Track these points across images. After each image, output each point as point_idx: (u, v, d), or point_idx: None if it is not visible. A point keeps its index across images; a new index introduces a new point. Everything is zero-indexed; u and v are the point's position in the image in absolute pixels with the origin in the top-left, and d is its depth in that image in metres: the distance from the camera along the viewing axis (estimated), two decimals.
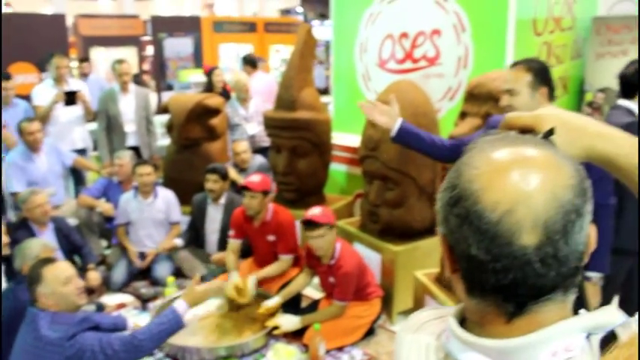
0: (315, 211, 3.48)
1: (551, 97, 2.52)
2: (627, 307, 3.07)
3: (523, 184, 0.68)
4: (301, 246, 4.06)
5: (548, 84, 2.47)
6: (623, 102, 2.96)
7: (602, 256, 2.46)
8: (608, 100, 4.99)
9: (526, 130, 0.87)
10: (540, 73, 2.46)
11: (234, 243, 4.05)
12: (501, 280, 0.68)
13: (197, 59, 10.54)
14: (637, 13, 4.68)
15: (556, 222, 0.67)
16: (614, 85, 5.03)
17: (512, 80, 2.47)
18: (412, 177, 3.76)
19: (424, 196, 3.87)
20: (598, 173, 2.38)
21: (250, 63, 7.59)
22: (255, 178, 3.86)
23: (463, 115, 3.13)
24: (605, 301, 2.90)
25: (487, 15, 4.15)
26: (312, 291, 4.10)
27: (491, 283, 0.69)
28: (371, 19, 4.87)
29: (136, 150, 5.38)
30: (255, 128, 5.80)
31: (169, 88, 10.11)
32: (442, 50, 4.40)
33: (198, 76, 9.16)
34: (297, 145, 4.48)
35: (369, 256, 3.95)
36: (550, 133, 0.84)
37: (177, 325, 2.65)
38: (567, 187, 0.69)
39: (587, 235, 0.72)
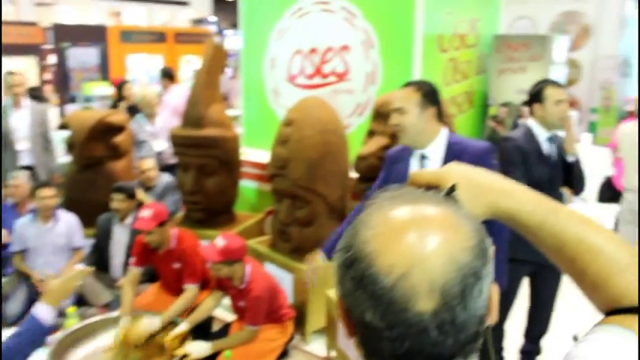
0: (218, 246, 3.30)
1: (440, 118, 2.55)
2: (538, 316, 3.16)
3: (419, 246, 0.63)
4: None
5: (436, 104, 2.52)
6: (528, 121, 3.06)
7: (500, 271, 2.50)
8: (510, 113, 5.18)
9: (430, 187, 0.83)
10: (429, 94, 2.50)
11: (134, 271, 3.76)
12: (397, 349, 0.63)
13: (103, 70, 10.10)
14: (533, 32, 4.87)
15: (454, 286, 0.62)
16: (516, 99, 5.26)
17: (402, 99, 2.50)
18: (322, 195, 3.71)
19: (334, 214, 3.83)
20: None
21: (168, 76, 7.34)
22: (145, 214, 3.48)
23: (371, 133, 3.12)
24: (503, 309, 2.98)
25: (394, 32, 4.20)
26: (224, 312, 3.96)
27: (387, 351, 0.64)
28: (280, 34, 4.81)
29: (30, 169, 5.02)
30: (162, 145, 5.58)
31: (72, 100, 9.60)
32: (351, 66, 4.40)
33: (103, 89, 8.77)
34: (205, 163, 4.34)
35: (281, 276, 3.86)
36: (452, 189, 0.81)
37: (40, 331, 2.34)
38: (466, 249, 0.65)
39: (488, 297, 0.67)
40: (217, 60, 4.41)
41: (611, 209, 4.78)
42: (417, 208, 0.69)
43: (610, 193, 5.18)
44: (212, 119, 4.33)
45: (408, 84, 2.58)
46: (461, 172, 0.86)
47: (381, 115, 3.05)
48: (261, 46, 4.96)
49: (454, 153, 2.52)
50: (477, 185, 0.86)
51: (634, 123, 4.21)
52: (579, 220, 0.83)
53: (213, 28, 21.70)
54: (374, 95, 4.28)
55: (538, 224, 0.83)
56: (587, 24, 11.09)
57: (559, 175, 2.99)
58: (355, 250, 0.66)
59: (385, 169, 2.80)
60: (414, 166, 2.61)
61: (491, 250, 0.69)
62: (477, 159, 2.45)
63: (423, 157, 2.58)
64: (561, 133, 3.04)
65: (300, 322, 3.76)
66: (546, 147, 3.00)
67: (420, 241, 0.64)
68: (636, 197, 4.17)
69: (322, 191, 3.70)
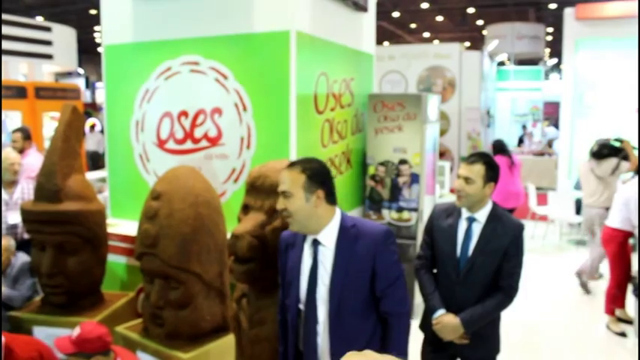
0: (72, 335, 2.89)
1: (331, 199, 2.38)
2: None
3: None
4: None
5: (324, 187, 2.35)
6: None
7: None
8: (388, 172, 5.17)
9: None
10: (316, 176, 2.33)
11: None
12: None
13: None
14: (405, 93, 4.94)
15: None
16: (394, 158, 5.28)
17: (287, 182, 2.34)
18: (197, 274, 3.37)
19: (212, 293, 3.50)
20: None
21: (26, 136, 6.64)
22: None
23: (245, 208, 2.87)
24: None
25: (268, 94, 4.04)
26: None
27: None
28: (147, 96, 4.49)
29: None
30: (17, 217, 4.95)
31: None
32: (224, 130, 4.17)
33: None
34: (65, 240, 3.85)
35: None
36: None
37: None
38: None
39: None
40: (75, 126, 4.00)
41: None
42: None
43: None
44: (71, 191, 3.87)
45: (292, 164, 2.39)
46: None
47: (255, 188, 2.82)
48: (126, 107, 4.60)
49: (349, 237, 2.35)
50: None
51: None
52: None
53: (81, 82, 20.73)
54: (249, 160, 4.07)
55: None
56: (452, 78, 11.75)
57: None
58: None
59: (281, 254, 2.58)
60: (307, 254, 2.42)
61: None
62: (374, 245, 2.33)
63: (316, 243, 2.39)
64: None
65: None
66: (462, 225, 2.92)
67: None
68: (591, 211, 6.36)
69: (197, 270, 3.37)
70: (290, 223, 2.38)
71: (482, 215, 2.88)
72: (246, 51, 4.06)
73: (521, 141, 15.92)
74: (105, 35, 4.70)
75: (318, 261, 2.38)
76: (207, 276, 3.45)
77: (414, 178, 5.12)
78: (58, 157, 3.87)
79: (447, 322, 2.83)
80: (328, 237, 2.38)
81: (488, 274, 2.82)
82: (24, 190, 5.09)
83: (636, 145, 6.51)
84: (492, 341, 2.98)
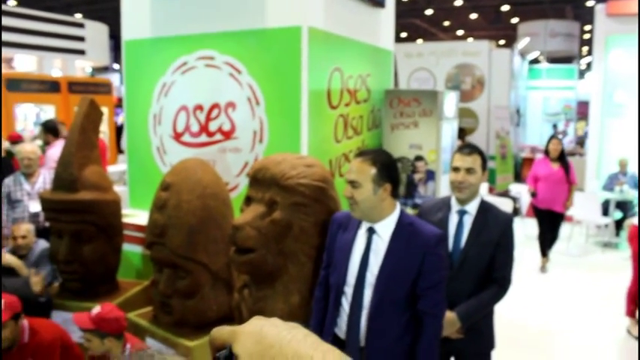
0: (91, 313, 3.01)
1: (395, 194, 2.45)
2: None
3: None
4: None
5: (392, 181, 2.42)
6: None
7: None
8: (404, 169, 5.17)
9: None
10: (385, 169, 2.40)
11: None
12: None
13: None
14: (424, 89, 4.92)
15: None
16: (409, 154, 5.27)
17: (356, 171, 2.41)
18: (204, 264, 3.45)
19: (219, 283, 3.57)
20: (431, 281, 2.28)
21: (51, 131, 6.87)
22: None
23: (248, 200, 2.92)
24: None
25: (280, 89, 4.08)
26: None
27: None
28: (165, 89, 4.58)
29: None
30: (38, 206, 5.12)
31: None
32: (237, 124, 4.23)
33: None
34: (81, 229, 3.98)
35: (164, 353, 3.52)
36: (230, 354, 0.74)
37: None
38: None
39: None
40: (93, 119, 4.12)
41: None
42: None
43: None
44: (87, 182, 3.99)
45: (364, 154, 2.46)
46: (257, 333, 0.74)
47: (257, 180, 2.86)
48: (145, 101, 4.70)
49: (404, 234, 2.43)
50: (268, 346, 0.72)
51: None
52: None
53: (115, 77, 21.17)
54: (262, 154, 4.12)
55: None
56: (481, 76, 11.60)
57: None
58: None
59: (331, 234, 2.66)
60: (360, 240, 2.50)
61: None
62: (426, 245, 2.39)
63: (371, 231, 2.47)
64: None
65: None
66: (453, 218, 2.92)
67: None
68: None
69: (204, 260, 3.44)
70: (353, 209, 2.46)
71: (473, 207, 2.87)
72: (259, 46, 4.11)
73: None
74: (125, 30, 4.81)
75: (371, 248, 2.46)
76: (214, 266, 3.52)
77: (430, 175, 5.10)
78: (75, 148, 3.99)
79: (446, 320, 2.82)
80: (385, 228, 2.45)
81: (481, 267, 2.81)
82: (46, 180, 5.25)
83: None
84: (487, 336, 2.96)
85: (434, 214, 2.94)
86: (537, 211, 7.22)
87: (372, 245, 2.46)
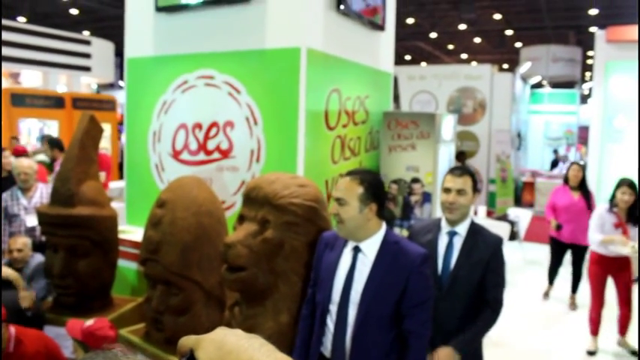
0: (84, 324, 3.05)
1: (380, 214, 2.49)
2: None
3: None
4: None
5: (379, 200, 2.46)
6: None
7: None
8: (400, 190, 5.19)
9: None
10: (372, 188, 2.44)
11: None
12: None
13: None
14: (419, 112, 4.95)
15: None
16: (406, 176, 5.29)
17: (343, 189, 2.45)
18: (197, 281, 3.47)
19: (212, 301, 3.58)
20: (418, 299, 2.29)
21: (57, 146, 6.97)
22: None
23: (241, 218, 2.94)
24: None
25: (278, 109, 4.12)
26: None
27: None
28: (165, 107, 4.63)
29: None
30: (34, 220, 5.14)
31: None
32: (235, 143, 4.27)
33: None
34: (76, 244, 4.01)
35: None
36: (191, 357, 0.83)
37: None
38: None
39: None
40: (92, 135, 4.16)
41: None
42: None
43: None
44: (84, 197, 4.03)
45: (351, 173, 2.51)
46: (218, 340, 0.83)
47: (250, 199, 2.89)
48: (145, 118, 4.75)
49: (390, 253, 2.45)
50: (227, 352, 0.81)
51: None
52: None
53: (121, 94, 21.32)
54: (258, 173, 4.15)
55: None
56: (482, 99, 11.67)
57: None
58: None
59: (318, 253, 2.69)
60: (345, 258, 2.53)
61: None
62: (412, 266, 2.41)
63: (357, 250, 2.50)
64: None
65: None
66: (443, 239, 2.93)
67: None
68: None
69: (197, 277, 3.46)
70: (339, 228, 2.50)
71: (463, 228, 2.89)
72: (258, 66, 4.17)
73: (554, 165, 15.65)
74: (128, 48, 4.88)
75: (356, 266, 2.49)
76: (208, 284, 3.53)
77: (426, 197, 5.12)
78: (74, 163, 4.03)
79: (444, 355, 2.80)
80: (370, 247, 2.48)
81: (470, 288, 2.81)
82: (42, 195, 5.27)
83: None
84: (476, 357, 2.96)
85: (423, 235, 2.95)
86: (558, 245, 6.59)
87: (357, 263, 2.48)
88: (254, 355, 0.80)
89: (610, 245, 4.94)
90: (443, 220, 2.94)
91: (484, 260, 2.80)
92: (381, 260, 2.44)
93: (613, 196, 5.01)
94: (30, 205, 5.20)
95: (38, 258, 4.68)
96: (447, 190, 2.87)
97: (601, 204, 5.18)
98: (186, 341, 0.87)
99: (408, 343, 2.41)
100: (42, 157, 7.89)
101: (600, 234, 4.97)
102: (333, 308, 2.52)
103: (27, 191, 5.26)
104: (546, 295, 7.03)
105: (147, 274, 3.61)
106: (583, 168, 6.53)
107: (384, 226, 2.53)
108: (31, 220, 5.09)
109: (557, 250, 6.69)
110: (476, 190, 2.90)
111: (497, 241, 2.88)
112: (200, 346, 0.84)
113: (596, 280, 5.23)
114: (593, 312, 5.29)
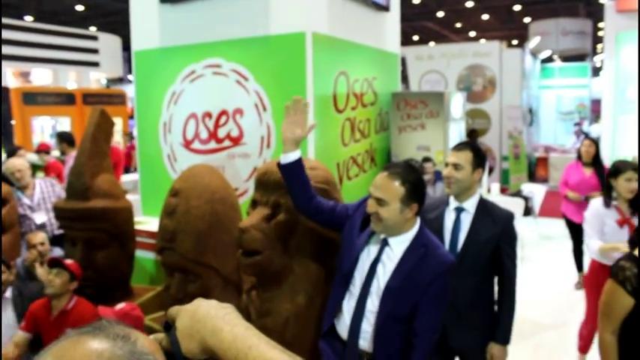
0: (116, 307, 3.25)
1: (418, 213, 2.42)
2: None
3: None
4: None
5: (420, 200, 2.38)
6: None
7: None
8: None
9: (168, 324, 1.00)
10: (416, 190, 2.34)
11: (21, 336, 3.51)
12: None
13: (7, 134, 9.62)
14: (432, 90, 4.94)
15: None
16: (417, 156, 5.30)
17: (383, 189, 2.34)
18: (214, 268, 3.52)
19: (229, 286, 3.63)
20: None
21: (67, 140, 7.01)
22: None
23: (254, 203, 2.97)
24: None
25: (286, 94, 4.11)
26: None
27: None
28: (174, 98, 4.67)
29: None
30: (43, 217, 5.17)
31: None
32: (245, 130, 4.30)
33: None
34: (93, 236, 4.07)
35: None
36: (168, 327, 0.97)
37: None
38: None
39: None
40: (104, 129, 4.21)
41: None
42: (73, 345, 0.71)
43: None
44: (99, 190, 4.08)
45: (393, 172, 2.36)
46: (192, 310, 0.96)
47: (262, 184, 2.92)
48: (155, 110, 4.79)
49: (416, 254, 2.37)
50: (196, 321, 0.94)
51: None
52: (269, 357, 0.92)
53: (130, 88, 21.41)
54: (270, 159, 4.18)
55: None
56: (492, 76, 11.59)
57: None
58: None
59: (354, 225, 2.59)
60: (373, 245, 2.48)
61: None
62: (436, 272, 2.34)
63: (385, 243, 2.43)
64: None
65: None
66: (450, 215, 2.94)
67: None
68: None
69: (214, 264, 3.51)
70: (375, 224, 2.40)
71: (470, 205, 2.88)
72: (264, 53, 4.18)
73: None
74: (134, 42, 4.91)
75: (380, 259, 2.43)
76: (224, 270, 3.58)
77: (438, 176, 5.12)
78: (87, 157, 4.09)
79: (498, 353, 2.82)
80: (399, 244, 2.41)
81: (480, 264, 2.82)
82: (43, 190, 5.26)
83: None
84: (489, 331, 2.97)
85: (431, 211, 2.94)
86: (573, 226, 6.12)
87: (382, 256, 2.42)
88: (217, 323, 0.93)
89: (615, 253, 3.48)
90: (451, 197, 2.95)
91: (494, 238, 2.80)
92: (407, 260, 2.37)
93: (610, 186, 3.87)
94: (34, 203, 5.18)
95: (57, 252, 4.77)
96: (446, 165, 2.88)
97: (593, 199, 4.06)
98: (171, 311, 1.01)
99: (414, 342, 2.36)
100: (56, 153, 7.96)
101: (599, 240, 3.80)
102: (355, 291, 2.47)
103: (26, 189, 5.22)
104: (579, 285, 6.35)
105: (164, 263, 3.66)
106: (596, 143, 6.10)
107: (417, 225, 2.44)
108: (40, 217, 5.13)
109: (575, 232, 6.19)
110: (480, 165, 2.86)
111: (508, 217, 2.87)
112: (179, 316, 0.97)
113: (594, 293, 3.83)
114: (585, 328, 4.34)
